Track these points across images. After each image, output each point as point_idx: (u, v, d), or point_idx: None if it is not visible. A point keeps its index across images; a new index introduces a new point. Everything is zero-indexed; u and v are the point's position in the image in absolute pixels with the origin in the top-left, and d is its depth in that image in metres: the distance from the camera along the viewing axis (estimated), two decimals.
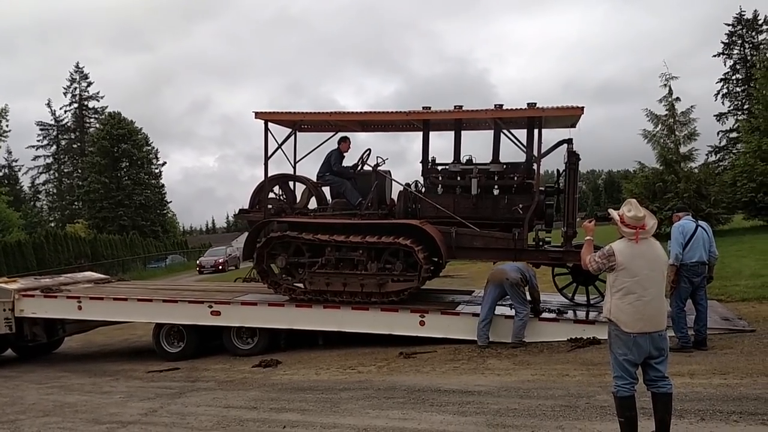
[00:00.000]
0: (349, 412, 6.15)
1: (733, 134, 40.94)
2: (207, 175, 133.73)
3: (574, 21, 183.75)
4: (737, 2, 61.08)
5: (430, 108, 9.72)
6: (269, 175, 10.36)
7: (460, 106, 9.53)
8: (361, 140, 10.53)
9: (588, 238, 4.99)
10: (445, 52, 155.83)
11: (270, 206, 10.41)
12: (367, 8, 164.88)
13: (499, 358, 8.10)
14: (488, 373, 7.38)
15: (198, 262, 40.86)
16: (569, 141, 9.45)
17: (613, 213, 4.66)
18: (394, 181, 10.34)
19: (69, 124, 66.70)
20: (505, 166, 9.78)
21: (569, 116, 9.37)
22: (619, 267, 4.46)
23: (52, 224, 60.98)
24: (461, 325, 9.09)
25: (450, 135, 10.27)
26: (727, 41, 44.62)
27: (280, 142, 10.31)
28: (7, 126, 43.10)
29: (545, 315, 9.12)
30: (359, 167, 10.46)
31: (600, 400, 5.78)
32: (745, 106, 41.62)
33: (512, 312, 9.19)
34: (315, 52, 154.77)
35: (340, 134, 10.78)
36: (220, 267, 38.03)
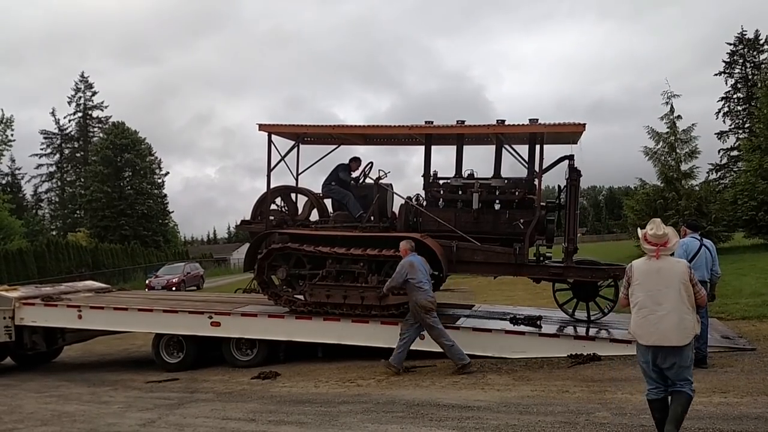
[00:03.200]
0: (347, 425, 6.14)
1: (734, 152, 41.04)
2: (208, 186, 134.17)
3: (574, 40, 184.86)
4: (734, 23, 61.53)
5: (432, 122, 9.79)
6: (271, 186, 10.42)
7: (463, 121, 9.60)
8: (360, 153, 10.67)
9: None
10: (443, 68, 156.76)
11: (272, 218, 10.45)
12: (363, 24, 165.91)
13: (499, 373, 8.08)
14: (488, 388, 7.37)
15: (147, 282, 33.23)
16: (571, 157, 9.50)
17: (640, 232, 5.05)
18: (396, 194, 10.39)
19: (72, 133, 67.01)
20: (506, 181, 9.82)
21: (571, 133, 9.43)
22: (635, 281, 4.83)
23: (54, 233, 61.03)
24: (461, 340, 9.04)
25: (451, 149, 10.34)
26: (728, 60, 44.85)
27: (283, 154, 10.38)
28: (11, 135, 43.29)
29: (545, 330, 9.12)
30: (361, 180, 10.52)
31: (600, 417, 5.77)
32: (746, 125, 41.73)
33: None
34: (312, 68, 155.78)
35: (346, 149, 11.02)
36: (174, 288, 30.53)
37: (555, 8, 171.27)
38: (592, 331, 9.20)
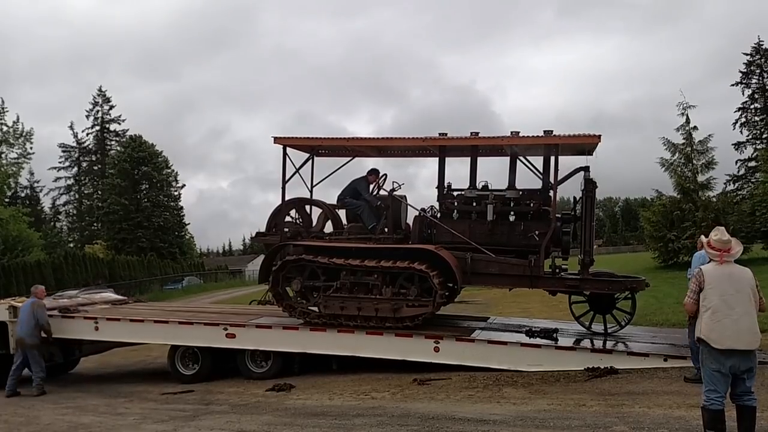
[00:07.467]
0: None
1: (752, 163, 40.53)
2: (221, 199, 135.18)
3: (586, 52, 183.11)
4: (747, 36, 61.10)
5: (446, 134, 9.80)
6: (286, 198, 10.47)
7: (477, 133, 9.61)
8: (371, 165, 10.83)
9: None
10: (450, 82, 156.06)
11: (286, 230, 10.49)
12: (372, 41, 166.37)
13: (515, 386, 8.01)
14: (504, 401, 7.30)
15: None
16: (586, 168, 9.46)
17: (703, 239, 5.25)
18: (410, 206, 10.39)
19: (90, 147, 67.79)
20: (521, 193, 9.79)
21: (586, 144, 9.40)
22: (708, 286, 4.92)
23: (71, 245, 61.57)
24: (476, 352, 9.01)
25: (464, 161, 10.34)
26: (745, 71, 44.46)
27: (297, 167, 10.44)
28: (31, 148, 43.79)
29: (561, 343, 9.04)
30: (375, 192, 10.55)
31: (617, 431, 5.69)
32: (764, 135, 41.25)
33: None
34: (322, 83, 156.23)
35: (359, 162, 11.07)
36: None
37: (564, 22, 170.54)
38: (609, 344, 9.11)
